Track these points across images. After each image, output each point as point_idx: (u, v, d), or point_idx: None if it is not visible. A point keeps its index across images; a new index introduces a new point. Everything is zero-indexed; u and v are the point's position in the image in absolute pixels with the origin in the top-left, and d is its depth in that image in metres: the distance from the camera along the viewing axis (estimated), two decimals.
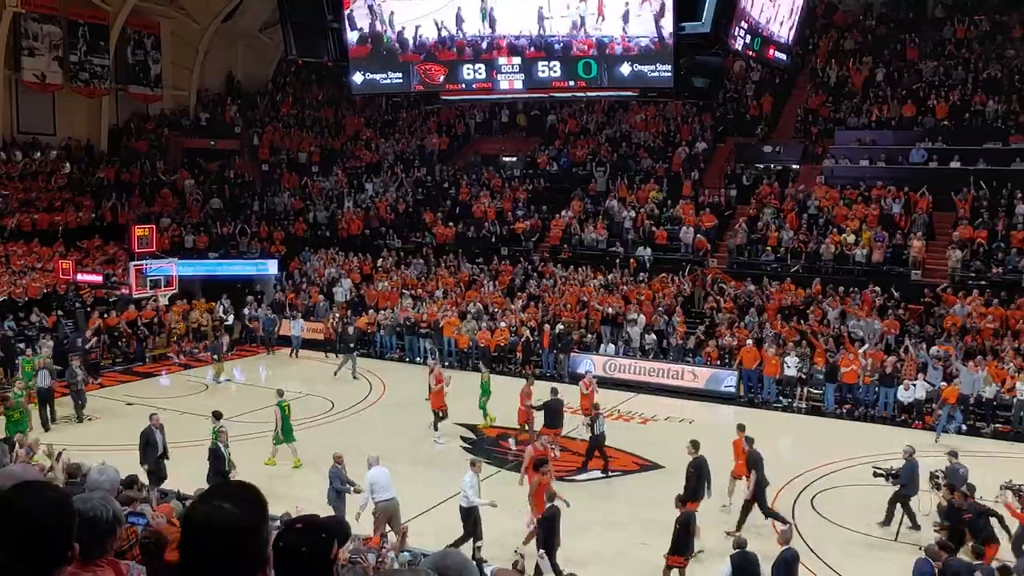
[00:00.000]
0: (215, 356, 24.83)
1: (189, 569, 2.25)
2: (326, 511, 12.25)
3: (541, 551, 11.23)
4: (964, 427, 20.27)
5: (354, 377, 24.17)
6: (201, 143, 38.59)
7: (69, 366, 20.33)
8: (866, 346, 22.60)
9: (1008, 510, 12.82)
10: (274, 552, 2.55)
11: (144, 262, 27.69)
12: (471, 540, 12.60)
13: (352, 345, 25.12)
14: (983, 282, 24.27)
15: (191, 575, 2.25)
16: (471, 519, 12.71)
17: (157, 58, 37.40)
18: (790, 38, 13.37)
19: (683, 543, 12.00)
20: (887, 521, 14.44)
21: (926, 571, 10.37)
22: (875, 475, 14.65)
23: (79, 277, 28.07)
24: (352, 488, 13.42)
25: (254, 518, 2.25)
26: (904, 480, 14.29)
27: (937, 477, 13.87)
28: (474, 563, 2.55)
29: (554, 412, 17.65)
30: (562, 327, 25.13)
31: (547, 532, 12.11)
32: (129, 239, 29.47)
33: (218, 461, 14.17)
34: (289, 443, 16.75)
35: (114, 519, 2.92)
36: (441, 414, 19.10)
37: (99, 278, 28.35)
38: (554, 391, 18.27)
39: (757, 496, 13.97)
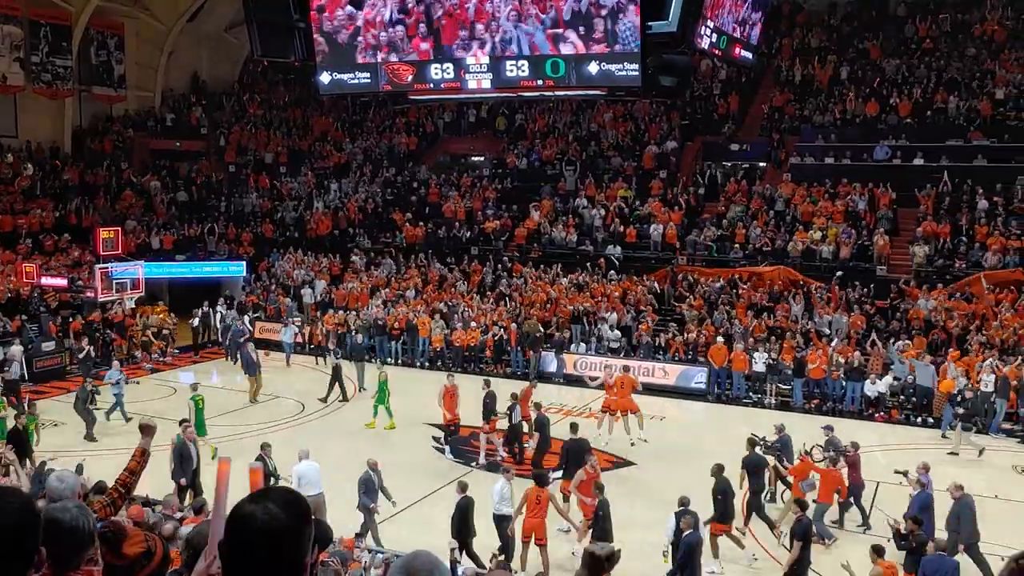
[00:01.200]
0: (248, 373, 22.57)
1: (231, 568, 2.22)
2: None
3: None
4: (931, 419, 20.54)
5: (361, 388, 22.98)
6: (166, 144, 38.23)
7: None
8: (835, 342, 22.88)
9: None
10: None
11: (110, 265, 27.43)
12: (506, 549, 12.34)
13: (364, 355, 24.22)
14: (947, 276, 24.63)
15: (232, 573, 2.23)
16: (504, 528, 12.49)
17: (121, 59, 36.96)
18: (756, 37, 13.51)
19: (723, 510, 12.35)
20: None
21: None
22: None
23: (43, 281, 27.69)
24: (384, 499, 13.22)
25: (297, 522, 2.23)
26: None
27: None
28: (445, 564, 2.53)
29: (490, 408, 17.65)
30: (527, 326, 25.10)
31: (603, 522, 12.19)
32: (94, 242, 29.16)
33: (185, 461, 14.05)
34: (201, 436, 16.46)
35: (91, 530, 2.86)
36: (453, 428, 18.47)
37: (64, 281, 27.99)
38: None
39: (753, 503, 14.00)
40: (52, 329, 25.33)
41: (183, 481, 13.99)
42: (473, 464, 17.39)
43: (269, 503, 2.20)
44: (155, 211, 34.70)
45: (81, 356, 23.51)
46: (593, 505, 12.51)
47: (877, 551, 10.88)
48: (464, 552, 11.92)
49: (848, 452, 14.76)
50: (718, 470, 13.03)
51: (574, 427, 15.69)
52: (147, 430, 4.53)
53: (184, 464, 14.06)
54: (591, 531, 12.23)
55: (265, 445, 13.80)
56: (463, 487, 12.57)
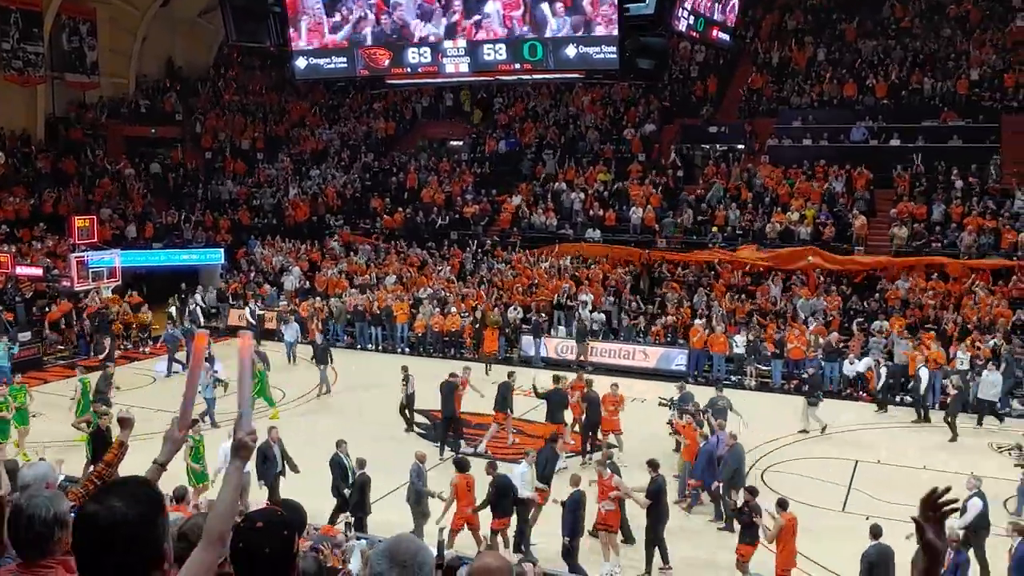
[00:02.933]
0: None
1: (82, 567, 2.26)
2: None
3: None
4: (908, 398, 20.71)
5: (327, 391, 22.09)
6: (141, 131, 37.83)
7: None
8: (813, 324, 23.06)
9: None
10: (235, 553, 2.53)
11: (85, 253, 27.16)
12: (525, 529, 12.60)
13: (327, 356, 22.08)
14: (923, 257, 24.81)
15: (85, 573, 2.26)
16: (527, 509, 12.61)
17: (93, 44, 36.49)
18: (733, 19, 13.50)
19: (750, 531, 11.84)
20: None
21: None
22: (660, 404, 17.16)
23: (18, 270, 27.39)
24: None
25: (144, 514, 2.25)
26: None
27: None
28: (429, 548, 2.53)
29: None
30: (489, 319, 24.42)
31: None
32: (69, 230, 28.86)
33: (268, 462, 13.62)
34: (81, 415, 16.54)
35: (54, 519, 2.86)
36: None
37: (39, 271, 27.70)
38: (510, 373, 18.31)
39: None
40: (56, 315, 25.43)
41: (262, 484, 13.57)
42: (470, 449, 17.17)
43: (113, 500, 2.25)
44: (131, 199, 34.37)
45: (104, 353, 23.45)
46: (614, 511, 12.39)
47: (781, 504, 11.49)
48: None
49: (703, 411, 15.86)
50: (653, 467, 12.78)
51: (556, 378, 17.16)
52: (126, 423, 4.51)
53: (267, 465, 13.52)
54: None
55: (341, 442, 13.58)
56: (576, 480, 12.30)
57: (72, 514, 3.46)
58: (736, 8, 13.57)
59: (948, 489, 2.41)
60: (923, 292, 23.52)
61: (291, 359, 24.32)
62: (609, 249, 27.99)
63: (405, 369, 18.59)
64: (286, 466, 13.87)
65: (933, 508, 2.37)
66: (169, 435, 3.45)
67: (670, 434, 16.32)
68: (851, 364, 21.34)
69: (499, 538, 12.62)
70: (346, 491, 13.06)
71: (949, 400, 18.39)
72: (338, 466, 13.21)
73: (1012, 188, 25.81)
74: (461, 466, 12.65)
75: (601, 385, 17.50)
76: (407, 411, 18.53)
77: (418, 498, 12.92)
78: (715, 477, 13.91)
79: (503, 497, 12.36)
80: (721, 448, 14.11)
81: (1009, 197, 25.43)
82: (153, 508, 2.31)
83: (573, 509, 11.92)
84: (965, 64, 30.14)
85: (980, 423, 19.06)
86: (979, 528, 11.84)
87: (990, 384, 19.17)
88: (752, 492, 12.10)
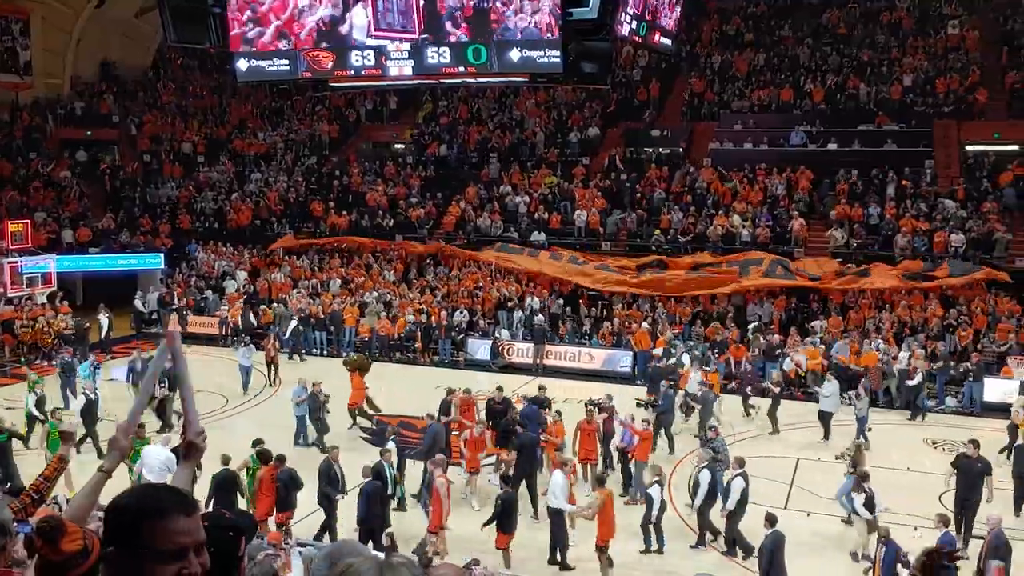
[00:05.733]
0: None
1: None
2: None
3: None
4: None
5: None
6: (76, 133, 36.94)
7: None
8: (753, 324, 23.50)
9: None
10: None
11: (19, 259, 26.46)
12: (560, 542, 12.57)
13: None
14: (860, 258, 25.38)
15: None
16: (561, 521, 12.56)
17: (27, 44, 35.56)
18: (674, 24, 13.67)
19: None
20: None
21: None
22: (638, 405, 17.56)
23: None
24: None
25: None
26: (664, 407, 17.24)
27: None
28: (370, 552, 2.52)
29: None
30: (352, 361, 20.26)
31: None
32: (2, 235, 28.07)
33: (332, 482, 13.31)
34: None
35: (5, 523, 2.80)
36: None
37: None
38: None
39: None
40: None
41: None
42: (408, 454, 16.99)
43: None
44: (66, 203, 33.54)
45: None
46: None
47: (599, 480, 12.26)
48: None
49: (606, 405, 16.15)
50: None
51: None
52: (67, 437, 4.41)
53: (332, 484, 13.21)
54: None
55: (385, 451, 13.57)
56: (772, 520, 11.61)
57: (14, 524, 3.39)
58: (678, 14, 13.75)
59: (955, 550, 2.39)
60: (859, 295, 24.12)
61: (245, 389, 21.98)
62: (540, 265, 27.43)
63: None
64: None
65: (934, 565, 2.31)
66: (114, 443, 3.39)
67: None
68: (790, 363, 21.56)
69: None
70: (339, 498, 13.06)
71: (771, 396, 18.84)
72: (378, 475, 12.94)
73: (943, 191, 26.57)
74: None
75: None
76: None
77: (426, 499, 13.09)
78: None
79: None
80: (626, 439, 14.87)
81: (942, 200, 26.13)
82: None
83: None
84: (898, 70, 30.94)
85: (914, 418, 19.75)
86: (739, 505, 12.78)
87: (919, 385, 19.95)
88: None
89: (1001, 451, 16.26)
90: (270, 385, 22.35)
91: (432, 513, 12.68)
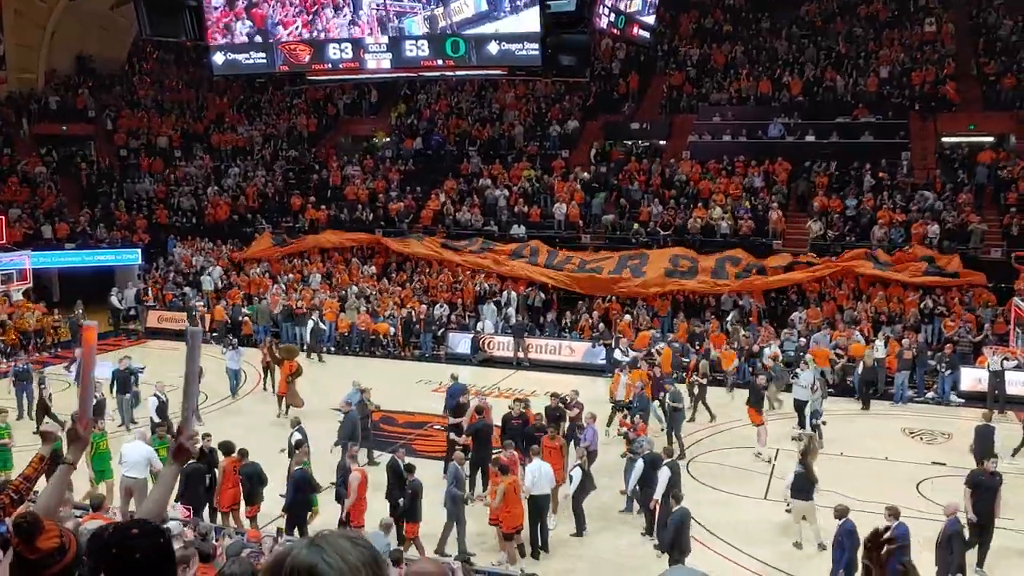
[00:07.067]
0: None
1: None
2: None
3: None
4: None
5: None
6: (52, 128, 36.53)
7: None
8: (731, 315, 23.62)
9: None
10: (108, 558, 2.48)
11: None
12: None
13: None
14: (839, 250, 25.52)
15: None
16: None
17: (0, 38, 35.10)
18: (653, 16, 13.70)
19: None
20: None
21: None
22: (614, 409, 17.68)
23: None
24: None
25: None
26: (641, 407, 16.68)
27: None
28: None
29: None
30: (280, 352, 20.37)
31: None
32: None
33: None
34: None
35: None
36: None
37: None
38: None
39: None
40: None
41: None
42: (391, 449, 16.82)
43: None
44: (41, 198, 33.20)
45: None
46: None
47: (502, 470, 12.04)
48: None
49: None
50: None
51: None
52: (48, 436, 4.37)
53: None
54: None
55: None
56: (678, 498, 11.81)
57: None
58: (656, 6, 13.78)
59: (888, 529, 2.42)
60: (836, 286, 24.31)
61: (234, 393, 21.07)
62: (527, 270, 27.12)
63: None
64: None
65: (876, 548, 2.37)
66: (72, 434, 3.44)
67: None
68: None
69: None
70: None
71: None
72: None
73: (919, 183, 26.79)
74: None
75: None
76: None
77: (453, 499, 12.57)
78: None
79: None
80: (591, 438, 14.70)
81: (920, 191, 26.33)
82: None
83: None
84: (875, 62, 31.13)
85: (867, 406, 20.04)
86: (644, 487, 13.04)
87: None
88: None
89: (1014, 452, 16.38)
90: (265, 390, 21.44)
91: (350, 507, 12.25)
